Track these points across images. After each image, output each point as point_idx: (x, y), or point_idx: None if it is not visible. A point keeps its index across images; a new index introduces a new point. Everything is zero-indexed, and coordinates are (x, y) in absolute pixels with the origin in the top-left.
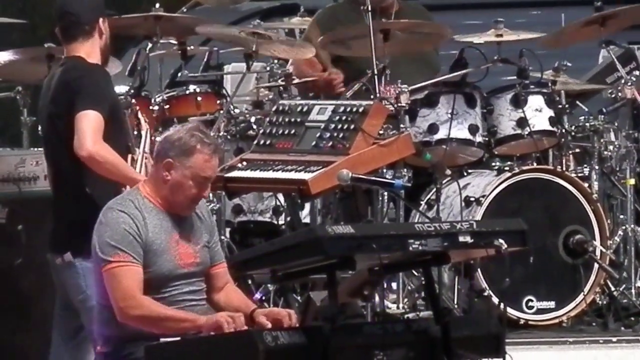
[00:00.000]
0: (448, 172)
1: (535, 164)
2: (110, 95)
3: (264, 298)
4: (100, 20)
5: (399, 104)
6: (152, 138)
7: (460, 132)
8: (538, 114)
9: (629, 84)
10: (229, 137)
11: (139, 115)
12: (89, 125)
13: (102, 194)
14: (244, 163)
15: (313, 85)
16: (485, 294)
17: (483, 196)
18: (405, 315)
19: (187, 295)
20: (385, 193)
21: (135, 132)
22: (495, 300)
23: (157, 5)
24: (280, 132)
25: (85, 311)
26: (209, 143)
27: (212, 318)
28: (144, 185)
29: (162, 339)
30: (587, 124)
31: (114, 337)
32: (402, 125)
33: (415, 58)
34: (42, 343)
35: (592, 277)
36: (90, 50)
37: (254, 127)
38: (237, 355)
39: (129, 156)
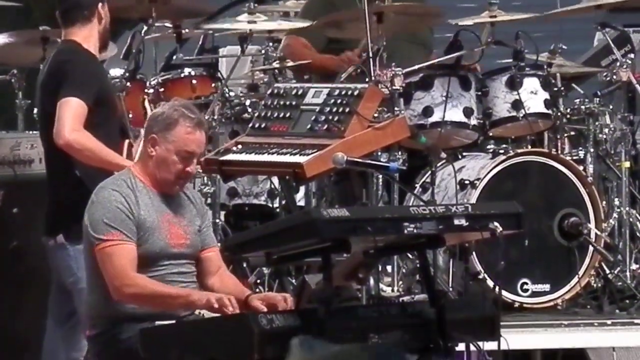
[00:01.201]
0: (443, 155)
1: (530, 147)
2: (98, 82)
3: (258, 281)
4: (100, 4)
5: (394, 87)
6: None
7: (455, 114)
8: (533, 96)
9: (624, 66)
10: (223, 120)
11: (146, 104)
12: (69, 113)
13: (93, 177)
14: (239, 146)
15: (307, 67)
16: (480, 276)
17: (478, 179)
18: (400, 298)
19: (175, 276)
20: (380, 176)
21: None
22: (490, 283)
23: None
24: (275, 115)
25: (77, 293)
26: (192, 117)
27: (206, 295)
28: (135, 166)
29: (157, 322)
30: (583, 107)
31: (102, 318)
32: (396, 108)
33: (410, 39)
34: (38, 327)
35: (587, 260)
36: (88, 34)
37: (249, 110)
38: (232, 338)
39: (126, 141)
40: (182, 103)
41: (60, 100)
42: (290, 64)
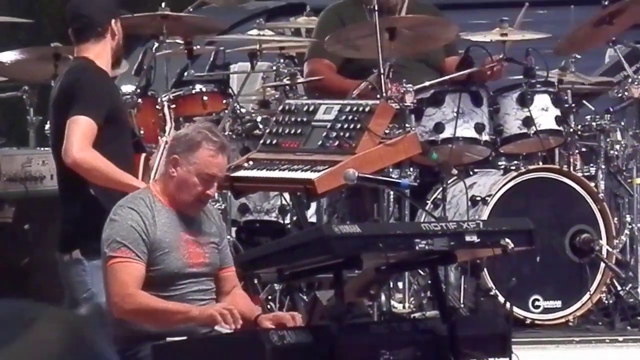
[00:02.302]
0: (454, 171)
1: (541, 163)
2: (109, 99)
3: (269, 297)
4: (113, 21)
5: (405, 104)
6: (160, 137)
7: (467, 131)
8: (544, 113)
9: (636, 83)
10: (234, 136)
11: (165, 110)
12: (78, 132)
13: (107, 194)
14: (250, 162)
15: (332, 91)
16: (492, 293)
17: (489, 195)
18: (412, 315)
19: (196, 294)
20: (392, 192)
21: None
22: (501, 299)
23: (164, 4)
24: (287, 131)
25: None
26: (215, 140)
27: (207, 311)
28: (155, 185)
29: (168, 339)
30: (594, 123)
31: (121, 336)
32: (408, 125)
33: (422, 58)
34: None
35: (599, 277)
36: (101, 50)
37: (260, 126)
38: (243, 355)
39: (143, 155)
40: (206, 125)
41: (70, 118)
42: (300, 80)
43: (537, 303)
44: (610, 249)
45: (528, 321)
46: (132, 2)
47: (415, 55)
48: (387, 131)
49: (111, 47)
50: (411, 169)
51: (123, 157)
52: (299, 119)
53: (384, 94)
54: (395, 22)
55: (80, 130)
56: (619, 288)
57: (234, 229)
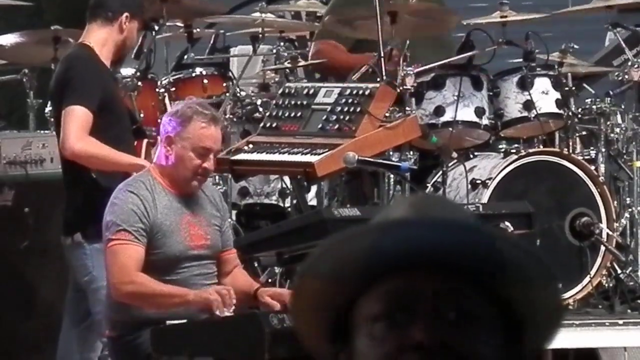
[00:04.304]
0: (454, 154)
1: (541, 147)
2: (101, 87)
3: (269, 281)
4: (125, 15)
5: (405, 87)
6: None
7: (467, 114)
8: (544, 96)
9: (636, 66)
10: (235, 119)
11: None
12: (73, 123)
13: (108, 177)
14: (250, 146)
15: (340, 69)
16: None
17: (489, 179)
18: None
19: (198, 277)
20: (392, 176)
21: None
22: None
23: None
24: (287, 114)
25: (91, 292)
26: (206, 113)
27: (202, 294)
28: (155, 167)
29: (168, 322)
30: (594, 107)
31: (121, 321)
32: (408, 108)
33: (429, 41)
34: (48, 327)
35: (599, 260)
36: (104, 38)
37: (260, 109)
38: (243, 337)
39: (144, 141)
40: (196, 100)
41: (65, 109)
42: (302, 63)
43: None
44: (610, 232)
45: None
46: None
47: (423, 37)
48: (387, 114)
49: (116, 42)
50: (411, 152)
51: (120, 143)
52: (298, 102)
53: (384, 77)
54: (397, 7)
55: (75, 121)
56: (619, 271)
57: (234, 212)
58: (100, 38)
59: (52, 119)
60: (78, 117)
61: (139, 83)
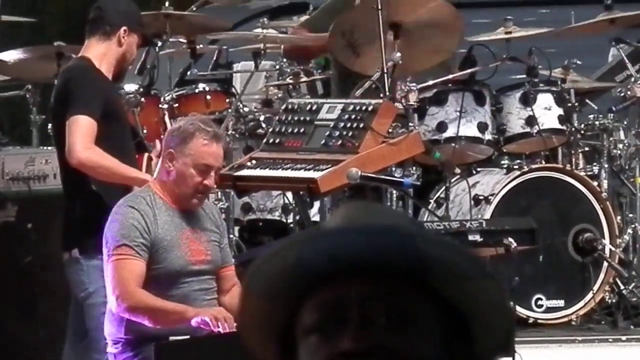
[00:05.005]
0: (457, 170)
1: (544, 163)
2: (103, 94)
3: None
4: (123, 29)
5: (408, 102)
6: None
7: (469, 130)
8: (547, 112)
9: (639, 82)
10: (237, 135)
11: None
12: (79, 132)
13: (109, 191)
14: (253, 161)
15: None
16: None
17: (492, 194)
18: None
19: (198, 292)
20: (395, 192)
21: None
22: None
23: (167, 3)
24: (290, 130)
25: (87, 308)
26: (208, 130)
27: (202, 314)
28: (155, 183)
29: (171, 338)
30: (597, 123)
31: (123, 337)
32: (411, 124)
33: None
34: (50, 342)
35: (602, 276)
36: (103, 52)
37: (263, 125)
38: (245, 353)
39: (145, 155)
40: (199, 117)
41: (69, 119)
42: (304, 79)
43: (539, 302)
44: (613, 248)
45: (531, 320)
46: (135, 1)
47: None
48: (390, 130)
49: (115, 55)
50: (414, 168)
51: (124, 153)
52: (301, 118)
53: (387, 93)
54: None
55: (81, 129)
56: (621, 287)
57: (237, 228)
58: (99, 52)
59: (53, 130)
60: (83, 126)
61: (142, 99)
